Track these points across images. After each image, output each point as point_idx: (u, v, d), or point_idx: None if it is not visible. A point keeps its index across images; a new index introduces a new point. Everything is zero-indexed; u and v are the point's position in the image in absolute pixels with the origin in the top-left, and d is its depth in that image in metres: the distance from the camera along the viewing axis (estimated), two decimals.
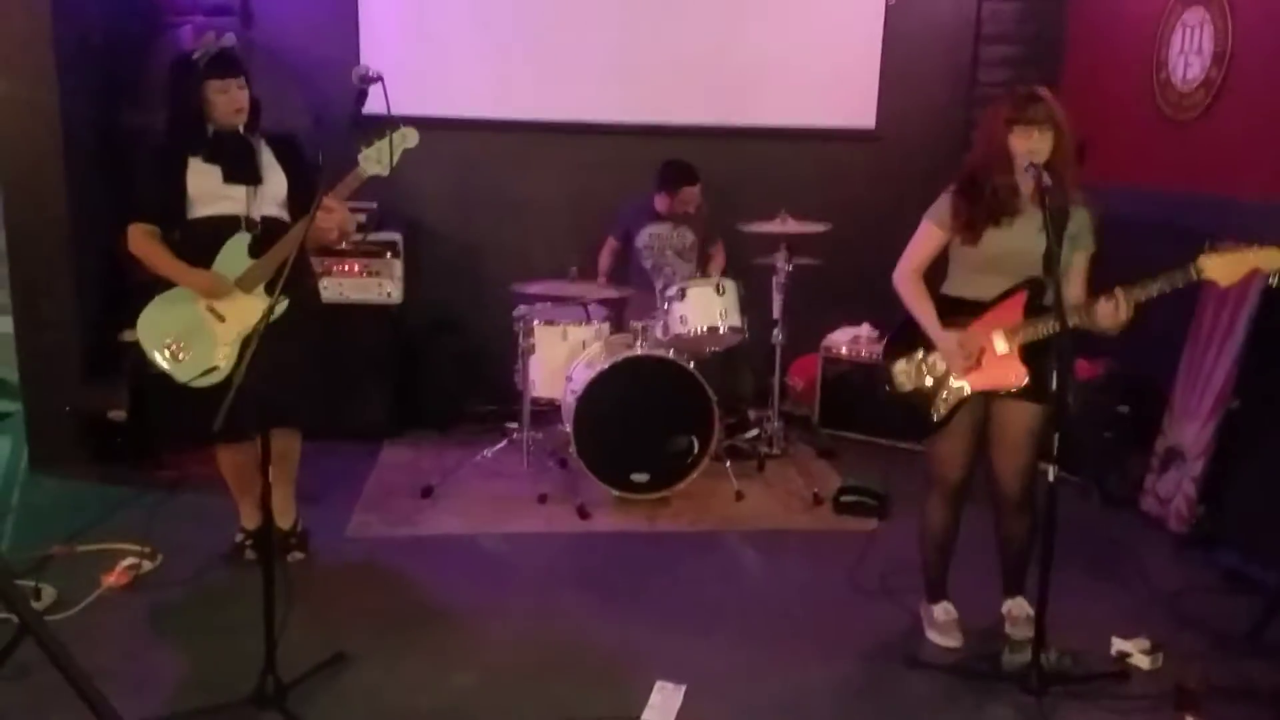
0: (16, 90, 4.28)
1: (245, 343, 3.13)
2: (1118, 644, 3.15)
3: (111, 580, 3.42)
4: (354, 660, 3.01)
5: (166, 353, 3.28)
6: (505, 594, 3.53)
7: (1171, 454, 4.19)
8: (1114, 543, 4.00)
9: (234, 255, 3.32)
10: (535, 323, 4.62)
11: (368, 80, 2.75)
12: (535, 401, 4.69)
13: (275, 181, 3.43)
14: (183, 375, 3.26)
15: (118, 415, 4.49)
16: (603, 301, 4.83)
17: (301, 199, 3.38)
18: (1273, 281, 3.77)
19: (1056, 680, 2.89)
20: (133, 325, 3.33)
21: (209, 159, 3.33)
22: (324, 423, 3.78)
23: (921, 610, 3.34)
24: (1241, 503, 3.83)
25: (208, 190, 3.33)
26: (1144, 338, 4.45)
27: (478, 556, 3.86)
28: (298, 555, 3.68)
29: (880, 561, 3.73)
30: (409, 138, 3.20)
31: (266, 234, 3.33)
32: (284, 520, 3.65)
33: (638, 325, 4.49)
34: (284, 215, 3.44)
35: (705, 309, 4.45)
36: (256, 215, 3.37)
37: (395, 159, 3.16)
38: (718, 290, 4.47)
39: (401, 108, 2.92)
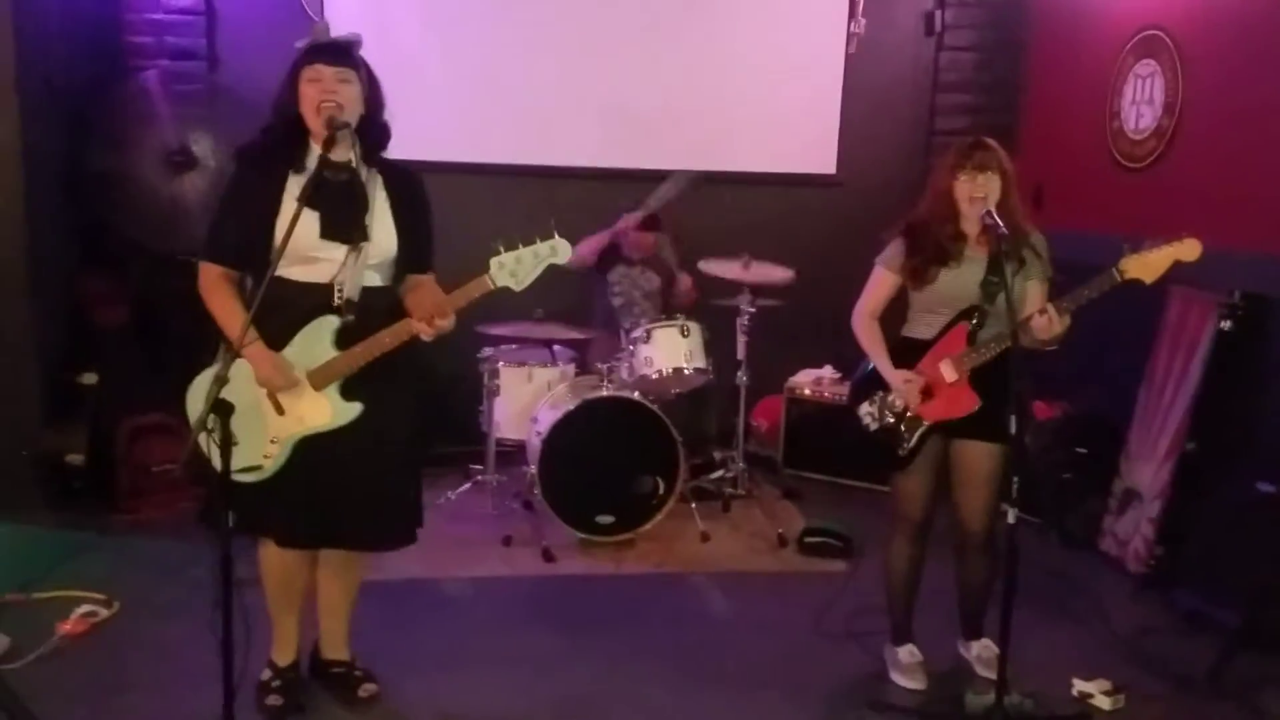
0: None
1: (302, 445, 2.57)
2: (1079, 685, 3.18)
3: (68, 629, 3.35)
4: (314, 709, 2.97)
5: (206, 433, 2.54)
6: (468, 639, 3.51)
7: (1129, 495, 4.25)
8: (1073, 584, 4.04)
9: (314, 341, 2.62)
10: (501, 364, 4.62)
11: (336, 126, 2.62)
12: (500, 443, 4.68)
13: (384, 236, 2.71)
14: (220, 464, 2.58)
15: (76, 459, 4.42)
16: (568, 343, 4.84)
17: (411, 257, 2.76)
18: (1224, 325, 3.91)
19: None
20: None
21: (307, 200, 2.53)
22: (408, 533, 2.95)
23: (886, 653, 3.36)
24: (1199, 543, 3.88)
25: (297, 245, 2.55)
26: (1100, 380, 4.58)
27: (441, 601, 3.83)
28: (370, 687, 3.04)
29: (846, 604, 3.73)
30: (559, 252, 2.57)
31: (361, 315, 2.64)
32: (341, 650, 3.11)
33: (603, 367, 4.51)
34: (387, 280, 2.75)
35: (670, 351, 4.46)
36: (354, 291, 2.64)
37: (535, 274, 2.58)
38: (683, 332, 4.49)
39: None
